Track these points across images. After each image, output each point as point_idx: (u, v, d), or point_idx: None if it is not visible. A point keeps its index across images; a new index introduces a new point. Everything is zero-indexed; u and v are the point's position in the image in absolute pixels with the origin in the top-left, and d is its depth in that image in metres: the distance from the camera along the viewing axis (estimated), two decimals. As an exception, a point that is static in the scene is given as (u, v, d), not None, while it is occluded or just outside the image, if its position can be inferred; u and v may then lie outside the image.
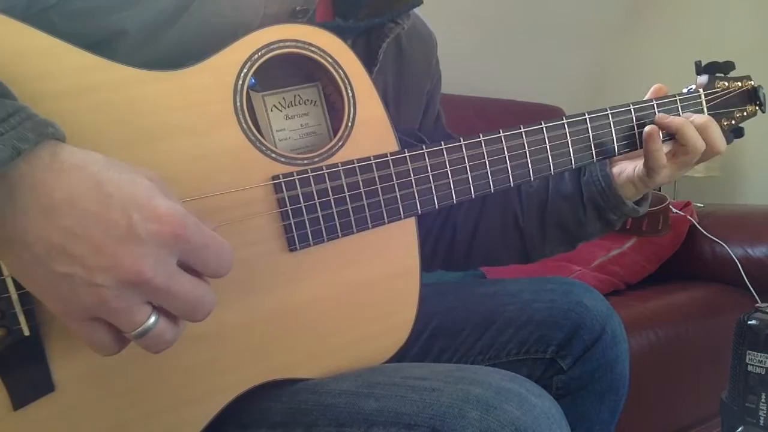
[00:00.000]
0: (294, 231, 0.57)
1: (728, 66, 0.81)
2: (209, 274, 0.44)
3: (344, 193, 0.59)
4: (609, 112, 0.72)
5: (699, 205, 1.78)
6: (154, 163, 0.52)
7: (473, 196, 0.65)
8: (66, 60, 0.49)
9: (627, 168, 0.77)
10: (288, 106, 0.63)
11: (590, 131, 0.71)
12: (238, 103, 0.56)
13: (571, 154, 0.70)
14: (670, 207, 1.65)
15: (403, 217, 0.62)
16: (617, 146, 0.73)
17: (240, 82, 0.56)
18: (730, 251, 1.58)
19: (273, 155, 0.57)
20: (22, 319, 0.47)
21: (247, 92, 0.57)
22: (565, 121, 0.70)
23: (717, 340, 1.38)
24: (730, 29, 2.06)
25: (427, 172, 0.63)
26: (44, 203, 0.39)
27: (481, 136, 0.65)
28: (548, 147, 0.69)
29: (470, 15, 1.96)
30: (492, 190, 0.66)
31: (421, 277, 0.66)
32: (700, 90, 0.79)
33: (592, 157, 0.72)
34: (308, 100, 0.64)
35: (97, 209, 0.40)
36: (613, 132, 0.73)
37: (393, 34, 0.71)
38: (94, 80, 0.50)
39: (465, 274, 1.35)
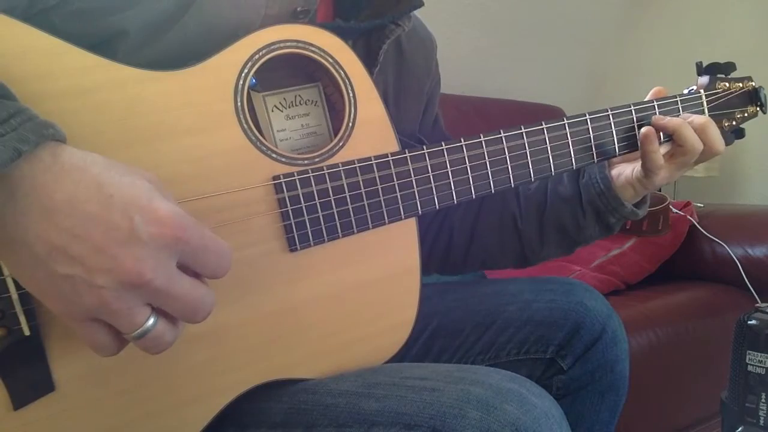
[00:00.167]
0: (294, 231, 0.57)
1: (729, 67, 0.81)
2: (208, 275, 0.45)
3: (345, 193, 0.59)
4: (610, 112, 0.72)
5: (699, 205, 1.78)
6: (155, 163, 0.52)
7: (474, 197, 0.65)
8: (67, 60, 0.49)
9: (625, 170, 0.77)
10: (289, 107, 0.63)
11: (591, 132, 0.71)
12: (239, 104, 0.56)
13: (572, 155, 0.70)
14: (670, 207, 1.65)
15: (403, 217, 0.62)
16: (618, 147, 0.73)
17: (241, 82, 0.56)
18: (730, 251, 1.58)
19: (274, 155, 0.57)
20: (22, 319, 0.47)
21: (248, 92, 0.57)
22: (565, 121, 0.70)
23: (717, 340, 1.38)
24: (730, 29, 2.06)
25: (428, 173, 0.63)
26: (45, 204, 0.40)
27: (481, 136, 0.65)
28: (549, 147, 0.69)
29: (470, 15, 1.96)
30: (493, 191, 0.66)
31: (421, 277, 0.66)
32: (701, 91, 0.79)
33: (593, 158, 0.72)
34: (309, 101, 0.64)
35: (97, 211, 0.40)
36: (614, 133, 0.73)
37: (394, 36, 0.71)
38: (94, 80, 0.50)
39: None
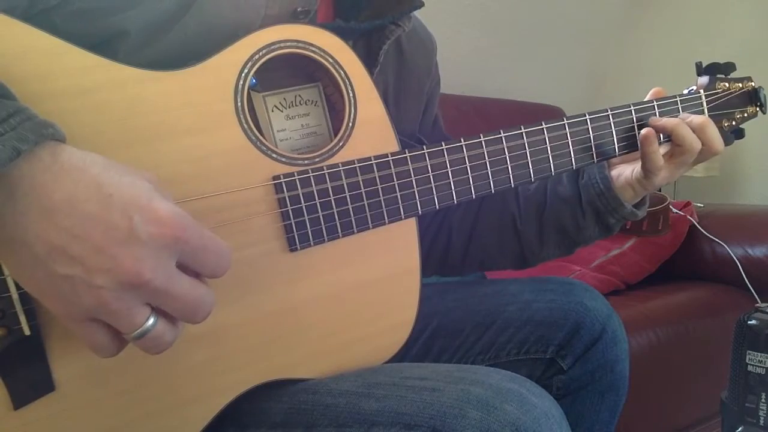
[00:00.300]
0: (294, 231, 0.57)
1: (729, 67, 0.81)
2: (208, 275, 0.45)
3: (345, 193, 0.59)
4: (610, 112, 0.72)
5: (699, 205, 1.78)
6: (155, 163, 0.52)
7: (474, 197, 0.65)
8: (67, 60, 0.49)
9: (625, 171, 0.77)
10: (289, 107, 0.63)
11: (591, 132, 0.71)
12: (239, 104, 0.56)
13: (572, 155, 0.70)
14: (670, 207, 1.65)
15: (403, 217, 0.62)
16: (617, 147, 0.73)
17: (241, 82, 0.56)
18: (730, 251, 1.58)
19: (274, 155, 0.57)
20: (22, 318, 0.47)
21: (248, 92, 0.57)
22: (565, 121, 0.70)
23: (717, 340, 1.38)
24: (730, 29, 2.06)
25: (428, 173, 0.63)
26: (44, 204, 0.40)
27: (481, 136, 0.65)
28: (549, 147, 0.69)
29: (470, 15, 1.96)
30: (492, 191, 0.66)
31: (421, 277, 0.66)
32: (701, 91, 0.79)
33: (593, 158, 0.72)
34: (309, 101, 0.64)
35: (97, 210, 0.40)
36: (614, 133, 0.73)
37: (394, 36, 0.71)
38: (94, 80, 0.50)
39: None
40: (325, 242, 0.59)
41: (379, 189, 0.61)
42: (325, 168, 0.59)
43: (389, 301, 0.64)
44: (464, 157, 0.64)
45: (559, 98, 2.11)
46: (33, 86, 0.47)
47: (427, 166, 0.63)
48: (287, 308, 0.58)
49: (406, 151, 0.62)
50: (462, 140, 0.64)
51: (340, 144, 0.61)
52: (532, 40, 2.13)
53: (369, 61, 0.70)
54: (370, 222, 0.61)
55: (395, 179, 0.62)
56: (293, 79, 0.63)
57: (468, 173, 0.65)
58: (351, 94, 0.62)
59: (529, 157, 0.68)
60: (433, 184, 0.63)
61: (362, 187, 0.60)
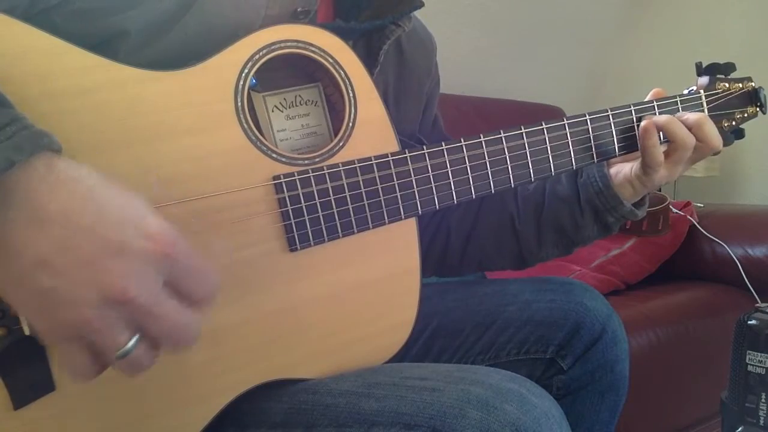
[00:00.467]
0: (295, 231, 0.57)
1: (729, 67, 0.81)
2: (194, 298, 0.43)
3: (345, 193, 0.59)
4: (610, 112, 0.72)
5: (699, 205, 1.78)
6: (155, 163, 0.52)
7: (474, 197, 0.65)
8: (67, 60, 0.49)
9: (624, 168, 0.77)
10: (289, 107, 0.63)
11: (591, 132, 0.71)
12: (239, 104, 0.56)
13: (572, 155, 0.70)
14: (670, 207, 1.65)
15: (403, 217, 0.62)
16: (617, 147, 0.73)
17: (241, 82, 0.56)
18: (730, 251, 1.58)
19: (274, 155, 0.57)
20: (22, 318, 0.47)
21: (248, 92, 0.57)
22: (565, 121, 0.70)
23: (717, 340, 1.38)
24: (730, 30, 2.06)
25: (428, 173, 0.63)
26: (38, 215, 0.39)
27: (481, 136, 0.65)
28: (549, 147, 0.69)
29: (470, 15, 1.96)
30: (493, 191, 0.66)
31: (421, 277, 0.66)
32: (701, 91, 0.79)
33: (593, 158, 0.72)
34: (309, 101, 0.64)
35: (90, 223, 0.39)
36: (614, 133, 0.73)
37: (394, 36, 0.71)
38: (95, 80, 0.50)
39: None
40: (325, 242, 0.59)
41: (379, 189, 0.61)
42: (325, 168, 0.59)
43: (389, 301, 0.64)
44: (464, 157, 0.64)
45: (559, 98, 2.11)
46: (33, 86, 0.47)
47: (427, 166, 0.63)
48: (287, 308, 0.58)
49: (406, 151, 0.62)
50: (462, 140, 0.64)
51: (340, 144, 0.61)
52: (532, 40, 2.13)
53: (369, 61, 0.70)
54: (370, 222, 0.61)
55: (395, 179, 0.62)
56: (293, 79, 0.63)
57: (468, 173, 0.65)
58: (351, 94, 0.62)
59: (529, 158, 0.68)
60: (433, 184, 0.63)
61: (362, 187, 0.60)
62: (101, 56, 0.50)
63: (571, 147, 0.70)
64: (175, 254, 0.41)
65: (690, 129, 0.72)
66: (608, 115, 0.72)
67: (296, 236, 0.57)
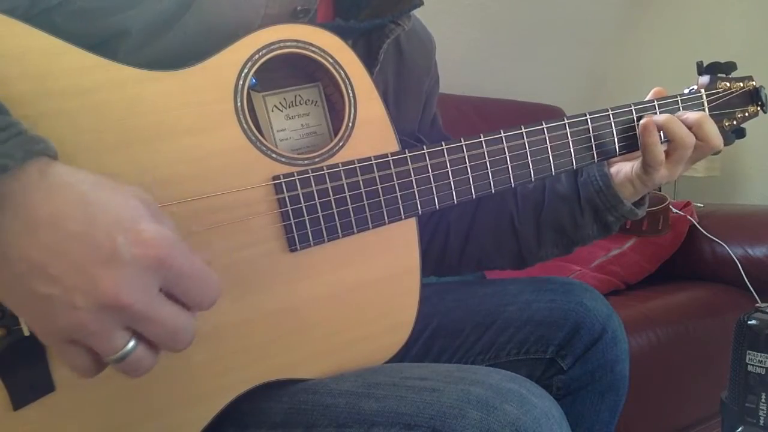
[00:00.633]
0: (294, 231, 0.57)
1: (730, 66, 0.81)
2: (192, 304, 0.43)
3: (345, 193, 0.59)
4: (610, 112, 0.72)
5: (699, 205, 1.78)
6: (154, 164, 0.52)
7: (474, 197, 0.65)
8: (66, 60, 0.49)
9: (624, 167, 0.77)
10: (289, 107, 0.63)
11: (591, 131, 0.71)
12: (239, 103, 0.56)
13: (572, 155, 0.70)
14: (670, 207, 1.65)
15: (403, 217, 0.62)
16: (618, 147, 0.73)
17: (241, 82, 0.56)
18: (730, 251, 1.58)
19: (273, 155, 0.57)
20: (22, 319, 0.47)
21: (248, 92, 0.57)
22: (566, 121, 0.70)
23: (717, 340, 1.38)
24: (730, 29, 2.06)
25: (428, 173, 0.63)
26: (29, 220, 0.39)
27: (481, 136, 0.65)
28: (549, 147, 0.69)
29: (470, 15, 1.96)
30: (493, 191, 0.66)
31: (421, 277, 0.66)
32: (702, 90, 0.79)
33: (593, 158, 0.72)
34: (309, 101, 0.64)
35: (80, 230, 0.39)
36: (614, 132, 0.73)
37: (394, 35, 0.70)
38: (94, 80, 0.50)
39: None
40: (325, 242, 0.59)
41: (379, 189, 0.61)
42: (324, 168, 0.59)
43: (389, 301, 0.64)
44: (464, 157, 0.64)
45: (559, 98, 2.11)
46: (32, 86, 0.47)
47: (427, 166, 0.63)
48: (287, 308, 0.58)
49: (406, 151, 0.62)
50: (462, 140, 0.64)
51: (340, 144, 0.61)
52: (532, 40, 2.13)
53: (369, 60, 0.70)
54: (370, 222, 0.61)
55: (395, 179, 0.62)
56: (293, 79, 0.63)
57: (468, 173, 0.65)
58: (351, 94, 0.62)
59: (529, 157, 0.68)
60: (433, 184, 0.63)
61: (362, 187, 0.60)
62: (100, 56, 0.50)
63: (571, 147, 0.70)
64: (170, 260, 0.40)
65: (690, 128, 0.72)
66: (609, 115, 0.72)
67: (296, 236, 0.57)
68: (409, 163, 0.62)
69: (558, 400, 0.56)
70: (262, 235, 0.56)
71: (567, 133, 0.70)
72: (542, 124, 0.68)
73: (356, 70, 0.62)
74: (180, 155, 0.53)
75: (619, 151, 0.73)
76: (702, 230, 1.65)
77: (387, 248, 0.63)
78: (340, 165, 0.59)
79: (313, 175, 0.58)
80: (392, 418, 0.51)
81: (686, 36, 2.18)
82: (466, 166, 0.65)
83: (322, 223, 0.58)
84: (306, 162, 0.59)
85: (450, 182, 0.64)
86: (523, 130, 0.67)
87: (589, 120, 0.71)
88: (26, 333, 0.47)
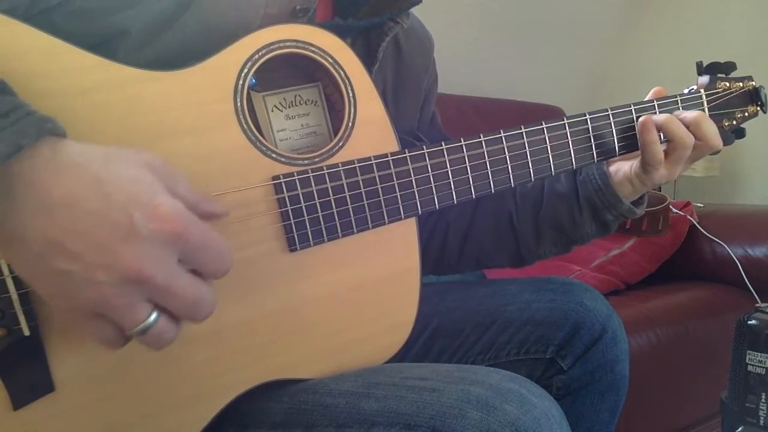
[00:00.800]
0: (294, 231, 0.57)
1: (730, 66, 0.81)
2: (208, 274, 0.44)
3: (345, 193, 0.59)
4: (610, 112, 0.72)
5: (699, 205, 1.78)
6: (155, 163, 0.52)
7: (474, 197, 0.65)
8: (66, 59, 0.49)
9: (624, 166, 0.77)
10: (288, 107, 0.63)
11: (591, 131, 0.71)
12: (239, 104, 0.56)
13: (572, 155, 0.70)
14: (670, 207, 1.65)
15: (403, 217, 0.62)
16: (617, 147, 0.73)
17: (240, 82, 0.56)
18: (730, 251, 1.58)
19: (273, 155, 0.57)
20: (22, 318, 0.47)
21: (248, 92, 0.57)
22: (565, 121, 0.70)
23: (717, 340, 1.38)
24: (730, 29, 2.06)
25: (428, 173, 0.63)
26: (43, 201, 0.39)
27: (481, 136, 0.65)
28: (549, 147, 0.69)
29: (470, 15, 1.96)
30: (493, 191, 0.66)
31: (421, 277, 0.66)
32: (702, 90, 0.79)
33: (593, 158, 0.72)
34: (309, 101, 0.64)
35: (96, 208, 0.40)
36: (614, 132, 0.73)
37: (392, 33, 0.71)
38: (94, 80, 0.50)
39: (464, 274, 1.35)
40: (325, 242, 0.59)
41: (379, 189, 0.61)
42: (324, 168, 0.59)
43: (389, 301, 0.64)
44: (464, 157, 0.64)
45: (559, 98, 2.11)
46: (32, 86, 0.47)
47: (427, 166, 0.63)
48: (287, 308, 0.58)
49: (406, 151, 0.62)
50: (462, 140, 0.64)
51: (340, 144, 0.61)
52: (532, 40, 2.13)
53: (368, 58, 0.70)
54: (369, 222, 0.61)
55: (395, 179, 0.62)
56: (293, 79, 0.63)
57: (468, 173, 0.65)
58: (351, 94, 0.62)
59: (529, 157, 0.68)
60: (433, 184, 0.63)
61: (362, 187, 0.60)
62: (100, 56, 0.50)
63: (571, 147, 0.70)
64: (186, 233, 0.41)
65: (688, 127, 0.72)
66: (608, 115, 0.72)
67: (296, 236, 0.57)
68: (409, 163, 0.62)
69: (558, 400, 0.56)
70: (261, 235, 0.56)
71: (567, 133, 0.70)
72: (542, 124, 0.68)
73: (356, 70, 0.62)
74: (180, 155, 0.53)
75: (618, 151, 0.73)
76: (702, 230, 1.65)
77: (387, 248, 0.63)
78: (339, 165, 0.59)
79: (312, 175, 0.58)
80: (392, 418, 0.51)
81: (686, 36, 2.18)
82: (466, 166, 0.65)
83: (322, 223, 0.58)
84: (306, 162, 0.59)
85: (450, 182, 0.64)
86: (523, 130, 0.67)
87: (588, 120, 0.71)
88: (26, 333, 0.47)
